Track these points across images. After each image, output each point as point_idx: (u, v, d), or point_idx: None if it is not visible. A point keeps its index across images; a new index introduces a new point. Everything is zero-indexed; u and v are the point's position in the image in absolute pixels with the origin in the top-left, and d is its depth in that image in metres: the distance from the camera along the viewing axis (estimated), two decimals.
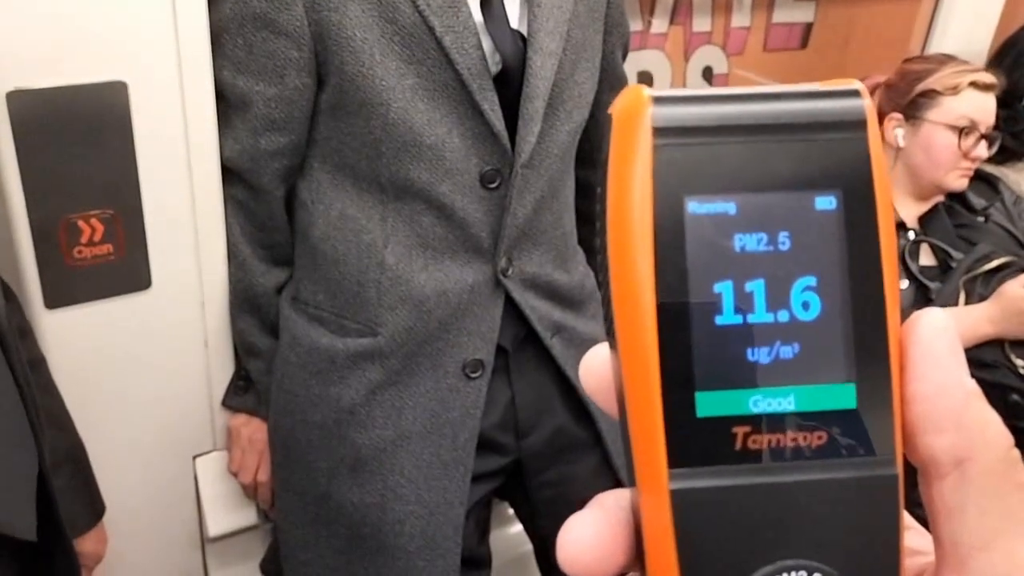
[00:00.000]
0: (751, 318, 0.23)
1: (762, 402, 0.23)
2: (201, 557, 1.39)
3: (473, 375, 1.12)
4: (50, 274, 1.11)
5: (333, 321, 1.12)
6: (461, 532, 1.14)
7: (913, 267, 1.63)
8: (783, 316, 0.23)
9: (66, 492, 1.03)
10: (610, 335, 0.24)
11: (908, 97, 1.64)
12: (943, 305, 1.57)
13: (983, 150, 1.61)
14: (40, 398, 1.00)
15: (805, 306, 0.23)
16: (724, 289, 0.22)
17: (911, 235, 1.66)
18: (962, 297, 1.59)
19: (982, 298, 1.56)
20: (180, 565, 1.37)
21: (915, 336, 0.23)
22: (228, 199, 1.19)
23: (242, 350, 1.26)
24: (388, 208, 1.07)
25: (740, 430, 0.23)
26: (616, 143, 0.23)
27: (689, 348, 0.22)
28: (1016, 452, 0.23)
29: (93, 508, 1.10)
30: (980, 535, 0.22)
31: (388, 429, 1.11)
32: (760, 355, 0.23)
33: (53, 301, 1.13)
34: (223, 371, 1.30)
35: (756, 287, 0.23)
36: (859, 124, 0.23)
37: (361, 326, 1.11)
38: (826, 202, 0.23)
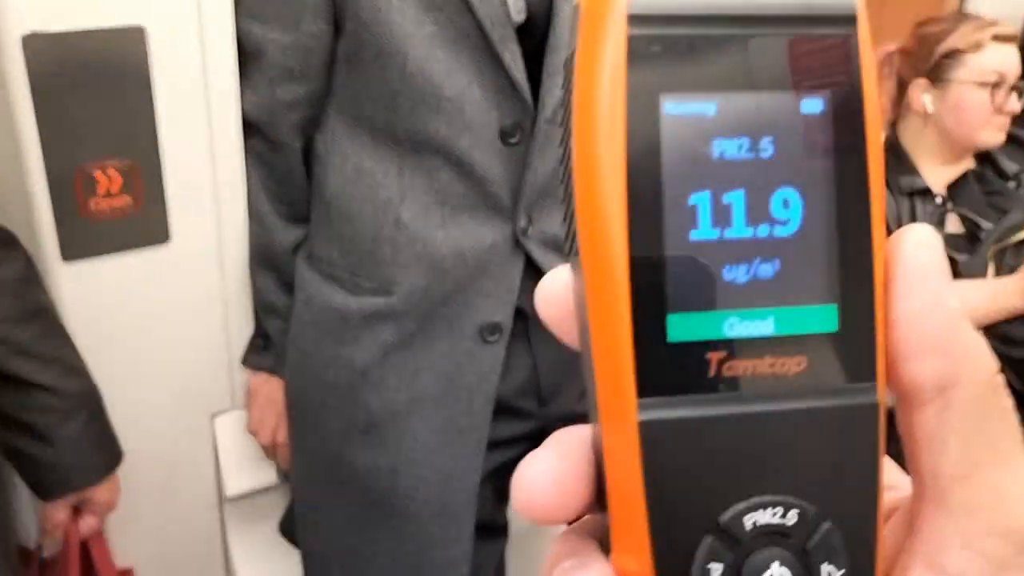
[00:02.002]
0: (728, 233, 0.21)
1: (738, 325, 0.21)
2: (219, 517, 1.38)
3: (490, 338, 1.08)
4: (66, 225, 1.09)
5: (347, 279, 1.09)
6: (475, 500, 1.11)
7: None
8: (762, 231, 0.21)
9: (78, 440, 1.02)
10: (571, 254, 0.22)
11: (931, 61, 1.59)
12: (971, 278, 1.52)
13: (1016, 103, 1.56)
14: (45, 344, 1.00)
15: (786, 220, 0.21)
16: (700, 201, 0.20)
17: (938, 201, 1.61)
18: (991, 269, 1.53)
19: (1012, 270, 1.51)
20: (198, 525, 1.36)
21: (900, 254, 0.21)
22: (248, 153, 1.16)
23: (260, 308, 1.23)
24: (405, 163, 1.03)
25: (714, 356, 0.21)
26: (586, 33, 0.21)
27: (661, 266, 0.20)
28: (1000, 378, 0.21)
29: (108, 456, 1.09)
30: (962, 465, 0.21)
31: (402, 392, 1.08)
32: (737, 274, 0.21)
33: (70, 253, 1.11)
34: (242, 329, 1.27)
35: (735, 198, 0.21)
36: (849, 19, 0.21)
37: (375, 285, 1.07)
38: (812, 105, 0.21)
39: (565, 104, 0.22)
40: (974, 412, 0.21)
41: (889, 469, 0.23)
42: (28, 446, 1.00)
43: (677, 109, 0.20)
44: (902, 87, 1.63)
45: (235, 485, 1.33)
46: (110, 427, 1.10)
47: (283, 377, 1.22)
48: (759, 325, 0.21)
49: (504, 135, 1.02)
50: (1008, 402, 0.22)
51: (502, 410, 1.12)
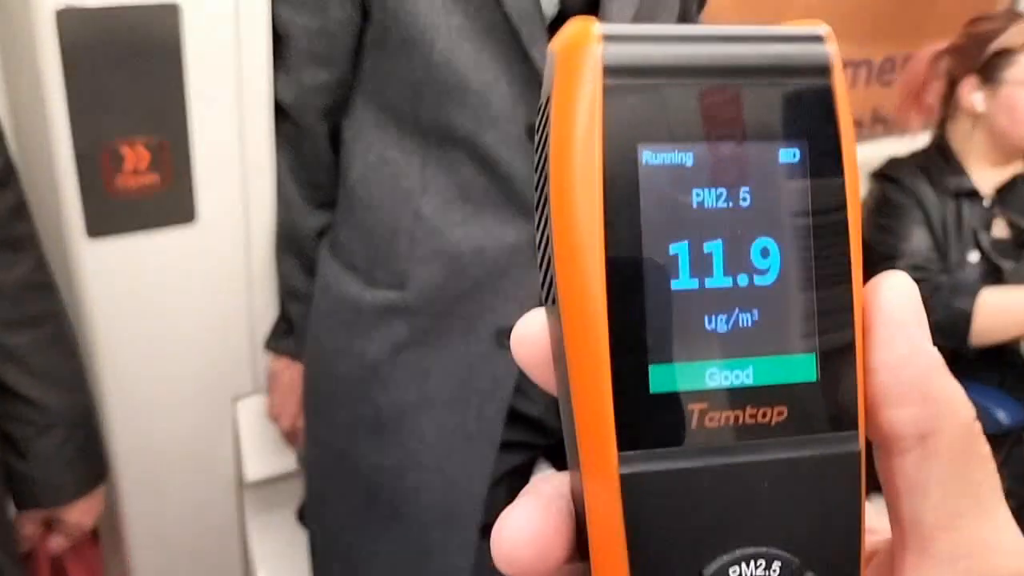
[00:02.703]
0: (709, 282, 0.21)
1: (719, 375, 0.21)
2: (238, 501, 1.37)
3: (507, 344, 1.06)
4: (92, 201, 1.09)
5: (364, 270, 1.07)
6: (482, 506, 1.07)
7: (984, 240, 1.52)
8: (742, 280, 0.21)
9: (52, 457, 0.98)
10: (549, 301, 0.22)
11: (981, 60, 1.53)
12: (1017, 284, 1.48)
13: None
14: (37, 354, 0.96)
15: (765, 270, 0.21)
16: (680, 250, 0.21)
17: (986, 204, 1.55)
18: None
19: None
20: (216, 508, 1.35)
21: (877, 301, 0.22)
22: (278, 135, 1.15)
23: (283, 292, 1.22)
24: (429, 155, 1.01)
25: (696, 407, 0.21)
26: (561, 83, 0.21)
27: (642, 316, 0.20)
28: (978, 424, 0.21)
29: (84, 477, 1.03)
30: (943, 514, 0.21)
31: (411, 392, 1.05)
32: (718, 323, 0.21)
33: (95, 229, 1.10)
34: (266, 312, 1.26)
35: (715, 248, 0.21)
36: (824, 70, 0.21)
37: (390, 278, 1.04)
38: (790, 154, 0.21)
39: (540, 151, 0.22)
40: (954, 460, 0.21)
41: (869, 512, 0.23)
42: (4, 453, 0.97)
43: (655, 159, 0.20)
44: (952, 86, 1.58)
45: (255, 470, 1.32)
46: (95, 447, 1.05)
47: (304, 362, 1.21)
48: (739, 375, 0.21)
49: (531, 132, 1.00)
50: (986, 449, 0.22)
51: (517, 417, 1.09)
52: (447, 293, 1.03)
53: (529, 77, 0.97)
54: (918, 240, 1.53)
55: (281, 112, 1.13)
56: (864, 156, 1.67)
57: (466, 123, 0.97)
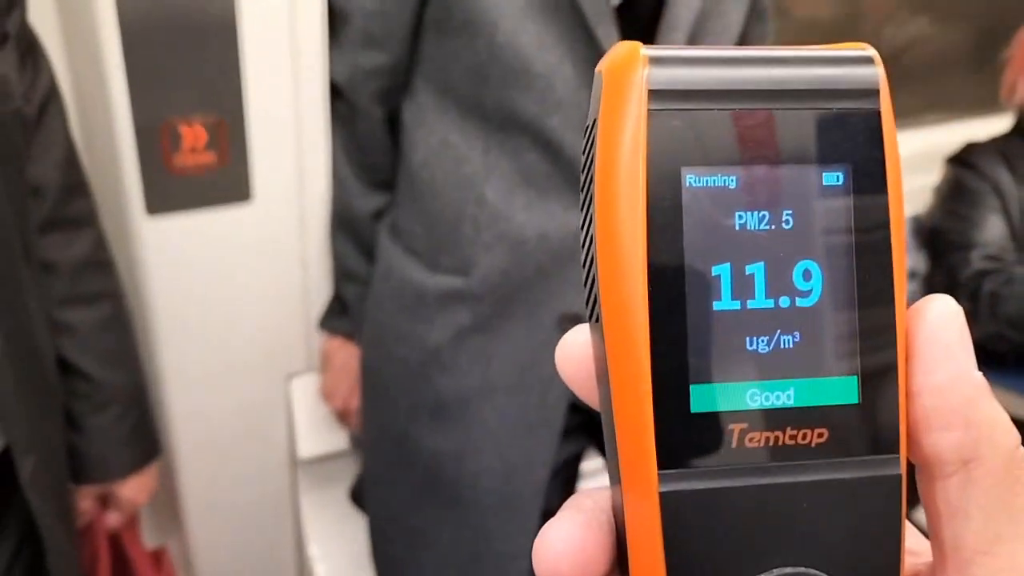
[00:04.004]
0: (750, 304, 0.21)
1: (759, 396, 0.21)
2: (292, 478, 1.38)
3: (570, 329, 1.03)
4: (151, 179, 1.09)
5: (427, 255, 1.05)
6: (543, 494, 1.06)
7: None
8: (784, 302, 0.21)
9: (106, 433, 0.99)
10: (594, 319, 0.22)
11: None
12: None
13: None
14: (94, 331, 0.97)
15: (807, 292, 0.21)
16: (722, 271, 0.21)
17: None
18: None
19: None
20: (271, 484, 1.37)
21: (922, 324, 0.22)
22: (333, 114, 1.14)
23: (338, 273, 1.21)
24: (491, 139, 0.98)
25: (736, 427, 0.21)
26: (607, 106, 0.21)
27: (683, 336, 0.21)
28: (1021, 451, 0.21)
29: (137, 454, 1.04)
30: (984, 538, 0.21)
31: (473, 377, 1.04)
32: (759, 344, 0.21)
33: (154, 207, 1.11)
34: (321, 291, 1.26)
35: (756, 270, 0.21)
36: (871, 93, 0.21)
37: (454, 264, 1.03)
38: (833, 178, 0.21)
39: (586, 171, 0.22)
40: (997, 486, 0.21)
41: (910, 534, 0.23)
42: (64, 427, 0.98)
43: (698, 182, 0.21)
44: None
45: (308, 447, 1.33)
46: (148, 425, 1.06)
47: (358, 343, 1.21)
48: (780, 396, 0.21)
49: None
50: None
51: (578, 405, 1.08)
52: (511, 279, 1.01)
53: (594, 59, 0.94)
54: (993, 229, 1.46)
55: (336, 91, 1.12)
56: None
57: (530, 107, 0.95)
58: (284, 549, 1.44)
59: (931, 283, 1.55)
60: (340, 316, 1.24)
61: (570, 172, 0.98)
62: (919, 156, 1.70)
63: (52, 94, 0.93)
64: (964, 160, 1.56)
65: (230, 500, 1.33)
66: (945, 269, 1.50)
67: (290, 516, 1.41)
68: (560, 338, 0.24)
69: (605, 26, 0.92)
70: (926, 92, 1.97)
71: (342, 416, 1.27)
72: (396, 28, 1.00)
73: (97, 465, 1.00)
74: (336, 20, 1.07)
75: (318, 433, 1.33)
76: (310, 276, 1.25)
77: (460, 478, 1.06)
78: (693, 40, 0.97)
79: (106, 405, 0.99)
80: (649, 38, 0.95)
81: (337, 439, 1.34)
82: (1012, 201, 1.48)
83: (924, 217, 1.63)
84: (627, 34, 0.94)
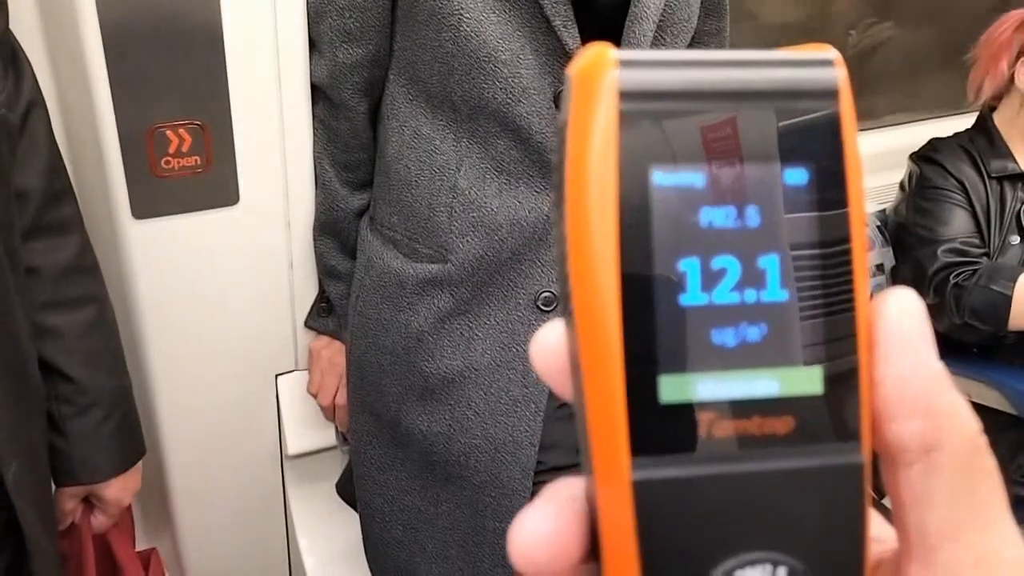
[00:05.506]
0: (717, 298, 0.22)
1: (727, 387, 0.22)
2: (281, 474, 1.41)
3: (546, 308, 1.07)
4: (137, 184, 1.12)
5: (406, 244, 1.09)
6: (532, 473, 1.10)
7: None
8: (750, 296, 0.22)
9: (90, 436, 1.00)
10: (566, 313, 0.23)
11: None
12: None
13: None
14: (84, 336, 0.98)
15: (772, 285, 0.22)
16: (690, 267, 0.22)
17: None
18: None
19: None
20: (260, 480, 1.39)
21: (884, 316, 0.22)
22: (314, 119, 1.17)
23: (322, 272, 1.24)
24: (461, 129, 1.02)
25: (705, 416, 0.22)
26: (577, 107, 0.22)
27: (653, 329, 0.21)
28: (984, 439, 0.22)
29: (122, 455, 1.04)
30: (948, 525, 0.22)
31: (456, 359, 1.08)
32: (726, 337, 0.22)
33: (140, 211, 1.13)
34: (307, 291, 1.29)
35: (723, 264, 0.22)
36: (831, 94, 0.22)
37: (431, 251, 1.07)
38: (795, 176, 0.22)
39: (558, 170, 0.23)
40: (959, 473, 0.21)
41: (876, 522, 0.24)
42: (47, 429, 0.98)
43: (666, 180, 0.21)
44: (1018, 58, 1.54)
45: (296, 444, 1.36)
46: (132, 426, 1.06)
47: (344, 341, 1.24)
48: (747, 386, 0.22)
49: (558, 101, 1.01)
50: (992, 463, 0.22)
51: None
52: (487, 263, 1.05)
53: (553, 47, 0.98)
54: (959, 223, 1.51)
55: (316, 94, 1.14)
56: None
57: (497, 95, 0.99)
58: (274, 541, 1.46)
59: (898, 277, 1.59)
60: (325, 315, 1.27)
61: (539, 157, 1.02)
62: (888, 154, 1.75)
63: (35, 101, 0.94)
64: (928, 156, 1.60)
65: (221, 495, 1.36)
66: (912, 263, 1.54)
67: (279, 509, 1.44)
68: (537, 318, 0.26)
69: (561, 15, 0.95)
70: (894, 93, 2.02)
71: (330, 412, 1.30)
72: (371, 20, 1.04)
73: (81, 467, 1.00)
74: (311, 20, 1.10)
75: (305, 430, 1.36)
76: (296, 277, 1.28)
77: (451, 458, 1.10)
78: (660, 29, 1.01)
79: (90, 408, 0.99)
80: (615, 30, 0.98)
81: (324, 436, 1.37)
82: (976, 195, 1.53)
83: (890, 212, 1.67)
84: (591, 25, 0.98)
